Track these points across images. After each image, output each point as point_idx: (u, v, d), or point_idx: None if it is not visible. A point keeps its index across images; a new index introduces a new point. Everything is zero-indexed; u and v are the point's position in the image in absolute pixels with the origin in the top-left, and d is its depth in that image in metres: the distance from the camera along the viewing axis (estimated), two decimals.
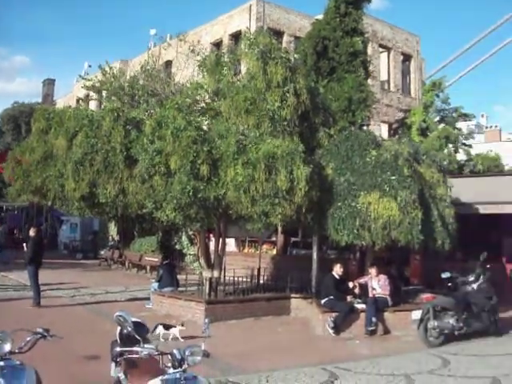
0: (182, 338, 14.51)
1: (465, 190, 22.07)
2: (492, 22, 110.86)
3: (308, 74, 24.58)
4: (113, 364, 7.60)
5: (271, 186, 15.82)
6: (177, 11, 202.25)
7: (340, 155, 18.10)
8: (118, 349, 7.21)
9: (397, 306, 17.56)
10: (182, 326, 14.90)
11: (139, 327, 7.83)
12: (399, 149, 17.86)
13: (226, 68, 20.55)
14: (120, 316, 7.71)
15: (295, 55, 25.11)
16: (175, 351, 6.33)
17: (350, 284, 17.80)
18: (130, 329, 7.51)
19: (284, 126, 18.14)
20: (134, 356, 6.80)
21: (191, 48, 29.88)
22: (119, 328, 7.87)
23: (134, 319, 7.90)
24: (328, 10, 29.50)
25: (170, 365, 6.36)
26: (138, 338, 7.34)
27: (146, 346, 6.90)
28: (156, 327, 14.41)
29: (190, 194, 15.83)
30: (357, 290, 17.72)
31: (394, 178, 16.84)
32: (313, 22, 31.89)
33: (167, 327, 14.79)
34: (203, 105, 20.71)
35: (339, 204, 17.13)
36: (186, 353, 6.27)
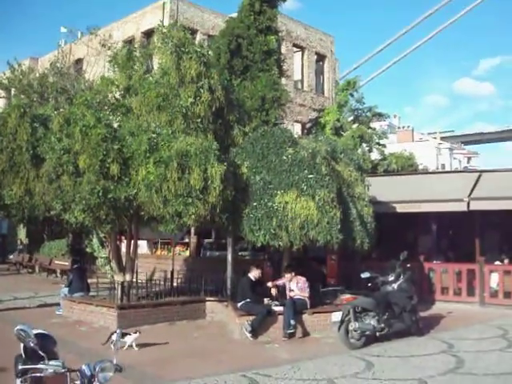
0: (137, 346, 14.15)
1: (380, 188, 21.96)
2: (404, 25, 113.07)
3: (221, 72, 24.07)
4: (18, 380, 6.84)
5: (184, 186, 15.30)
6: (89, 10, 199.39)
7: (255, 153, 17.57)
8: (21, 366, 6.60)
9: (316, 308, 17.18)
10: (137, 333, 14.39)
11: (45, 340, 7.23)
12: (316, 147, 17.42)
13: (137, 63, 19.99)
14: (21, 330, 6.91)
15: (209, 52, 24.70)
16: (84, 367, 5.91)
17: (269, 284, 17.39)
18: (32, 344, 6.79)
19: (197, 123, 17.65)
20: (38, 374, 6.20)
21: (102, 42, 29.10)
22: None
23: (38, 331, 7.25)
24: (242, 8, 29.21)
25: (78, 383, 5.91)
26: (42, 354, 6.68)
27: (51, 362, 6.30)
28: (111, 335, 13.78)
29: (100, 194, 15.30)
30: (274, 292, 17.28)
31: (311, 176, 16.42)
32: (227, 19, 31.52)
33: (122, 335, 13.84)
34: (114, 101, 19.92)
35: (255, 204, 16.64)
36: (97, 369, 5.82)
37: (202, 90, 17.68)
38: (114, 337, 13.81)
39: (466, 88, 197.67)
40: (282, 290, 17.41)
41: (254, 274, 17.32)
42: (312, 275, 18.64)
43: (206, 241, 28.21)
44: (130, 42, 40.64)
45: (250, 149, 17.83)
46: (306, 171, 16.54)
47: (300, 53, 45.73)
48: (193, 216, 15.54)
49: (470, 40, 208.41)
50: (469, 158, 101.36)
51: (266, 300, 16.99)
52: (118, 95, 20.10)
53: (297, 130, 41.86)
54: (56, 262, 32.08)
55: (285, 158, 16.96)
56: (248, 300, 16.63)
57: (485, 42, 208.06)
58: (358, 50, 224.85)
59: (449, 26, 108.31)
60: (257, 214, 16.45)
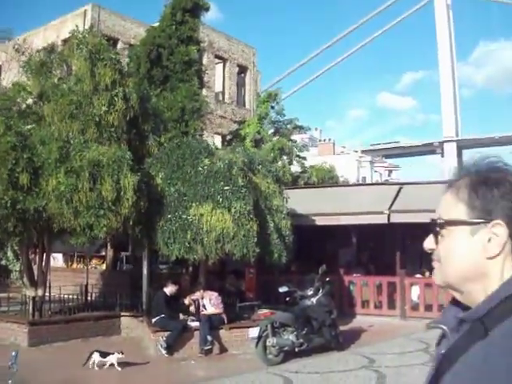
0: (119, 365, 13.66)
1: (300, 201, 21.81)
2: (327, 40, 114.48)
3: (141, 82, 23.58)
4: None
5: (96, 197, 14.82)
6: (7, 17, 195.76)
7: (170, 164, 17.10)
8: None
9: (233, 323, 16.80)
10: (121, 353, 13.86)
11: None
12: (233, 158, 17.07)
13: (52, 69, 19.28)
14: None
15: (127, 60, 24.19)
16: None
17: (186, 301, 16.90)
18: None
19: (111, 132, 17.07)
20: None
21: (16, 47, 28.23)
22: None
23: None
24: (164, 17, 28.76)
25: None
26: None
27: None
28: (91, 354, 13.49)
29: (8, 205, 14.66)
30: (192, 308, 16.83)
31: (227, 188, 16.05)
32: (148, 28, 31.01)
33: (104, 355, 13.76)
34: (26, 108, 19.20)
35: (169, 216, 16.16)
36: None
37: (116, 99, 17.10)
38: (95, 356, 13.53)
39: (388, 102, 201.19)
40: (198, 304, 16.97)
41: (169, 289, 16.84)
42: (229, 289, 18.31)
43: (123, 254, 27.56)
44: (51, 49, 39.72)
45: (165, 159, 17.35)
46: (221, 183, 16.16)
47: (222, 64, 45.34)
48: (104, 228, 15.07)
49: (393, 55, 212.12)
50: (390, 171, 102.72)
51: (181, 315, 16.52)
52: (30, 102, 19.39)
53: (217, 142, 41.45)
54: None
55: (200, 169, 16.55)
56: (163, 315, 16.13)
57: (407, 57, 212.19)
58: (282, 63, 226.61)
59: (372, 41, 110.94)
60: (171, 226, 16.00)
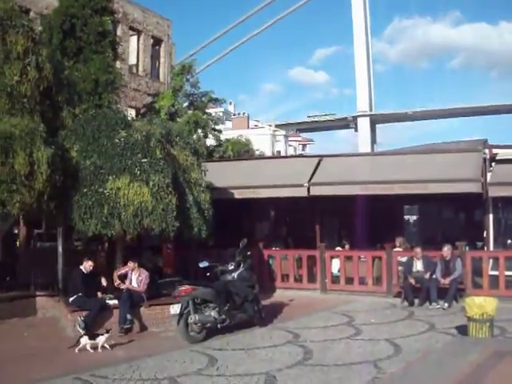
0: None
1: (217, 174, 21.61)
2: (242, 14, 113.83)
3: (54, 53, 22.72)
4: None
5: (8, 171, 14.13)
6: None
7: (86, 136, 16.41)
8: None
9: (153, 300, 16.41)
10: (108, 332, 13.53)
11: None
12: (151, 129, 16.60)
13: None
14: None
15: (40, 29, 23.34)
16: None
17: (103, 281, 16.38)
18: None
19: (23, 104, 16.23)
20: None
21: None
22: None
23: None
24: None
25: None
26: None
27: None
28: (79, 339, 13.23)
29: None
30: (104, 283, 16.37)
31: (145, 160, 15.64)
32: None
33: (93, 336, 13.37)
34: None
35: (85, 190, 15.53)
36: None
37: (29, 68, 16.31)
38: (83, 340, 13.19)
39: (302, 77, 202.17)
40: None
41: (85, 266, 16.22)
42: (147, 266, 17.95)
43: (36, 231, 26.74)
44: None
45: (80, 131, 16.66)
46: (139, 155, 15.73)
47: (136, 36, 44.38)
48: (18, 204, 14.41)
49: (306, 30, 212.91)
50: (304, 145, 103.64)
51: (99, 294, 16.02)
52: None
53: (131, 115, 40.71)
54: None
55: (117, 141, 16.00)
56: (80, 294, 15.58)
57: (321, 32, 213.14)
58: (199, 37, 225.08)
59: (287, 16, 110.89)
60: (87, 201, 15.41)
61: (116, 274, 16.68)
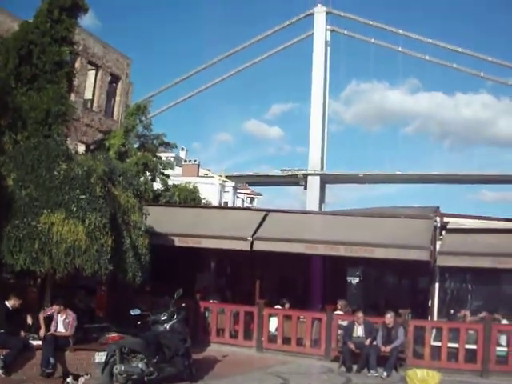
0: None
1: (161, 220, 21.09)
2: (202, 62, 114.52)
3: (8, 77, 22.09)
4: None
5: None
6: None
7: (25, 165, 15.73)
8: None
9: (79, 344, 15.66)
10: (87, 375, 13.72)
11: None
12: (93, 165, 16.04)
13: None
14: None
15: None
16: None
17: (29, 319, 15.68)
18: None
19: None
20: None
21: None
22: None
23: None
24: (39, 13, 27.08)
25: None
26: None
27: None
28: (66, 378, 13.42)
29: None
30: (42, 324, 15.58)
31: (83, 197, 15.03)
32: (21, 22, 29.34)
33: (75, 377, 13.67)
34: None
35: (17, 222, 14.77)
36: None
37: None
38: (69, 380, 13.21)
39: (256, 130, 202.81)
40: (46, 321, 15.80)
41: (11, 302, 15.49)
42: (79, 306, 17.22)
43: None
44: None
45: (19, 159, 15.99)
46: (78, 191, 15.12)
47: (94, 71, 43.89)
48: None
49: (265, 83, 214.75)
50: (252, 199, 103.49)
51: (22, 332, 15.19)
52: None
53: (81, 150, 40.00)
54: None
55: (56, 173, 15.36)
56: (2, 331, 14.78)
57: (278, 87, 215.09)
58: (158, 79, 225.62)
59: (247, 68, 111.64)
60: (18, 233, 14.64)
61: (42, 316, 15.88)
